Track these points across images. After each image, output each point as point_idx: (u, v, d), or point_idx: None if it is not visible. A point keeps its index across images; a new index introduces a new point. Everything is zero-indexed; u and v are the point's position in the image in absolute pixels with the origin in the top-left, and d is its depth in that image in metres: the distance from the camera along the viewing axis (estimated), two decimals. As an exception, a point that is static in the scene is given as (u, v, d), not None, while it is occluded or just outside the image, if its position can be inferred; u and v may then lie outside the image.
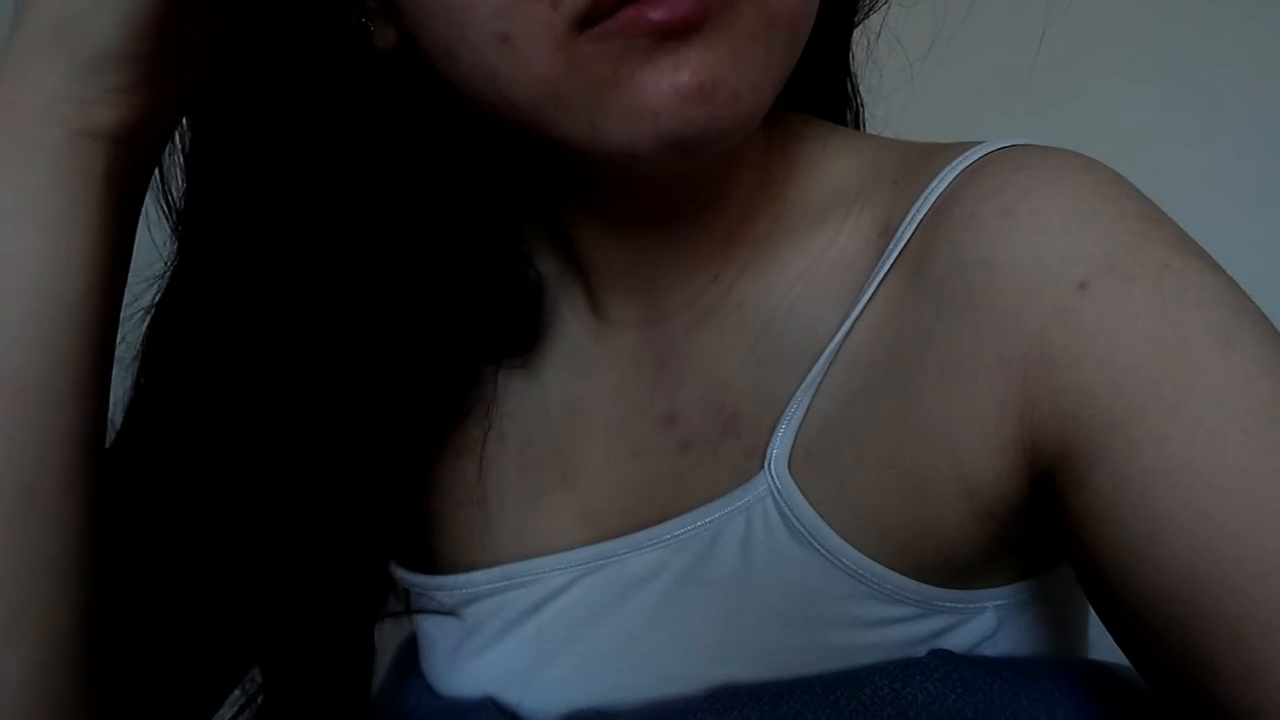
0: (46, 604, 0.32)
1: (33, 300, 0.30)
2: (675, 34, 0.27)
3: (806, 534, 0.34)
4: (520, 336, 0.41)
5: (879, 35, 0.42)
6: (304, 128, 0.36)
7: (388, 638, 0.47)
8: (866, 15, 0.41)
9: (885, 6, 0.41)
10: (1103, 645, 0.33)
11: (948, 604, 0.34)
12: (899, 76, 0.45)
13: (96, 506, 0.33)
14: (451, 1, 0.28)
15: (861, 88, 0.44)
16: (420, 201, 0.38)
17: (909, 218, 0.34)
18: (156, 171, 0.36)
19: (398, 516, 0.43)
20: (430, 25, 0.30)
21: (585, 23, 0.27)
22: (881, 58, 0.43)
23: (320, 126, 0.36)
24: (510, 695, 0.41)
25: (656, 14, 0.27)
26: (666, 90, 0.28)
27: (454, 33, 0.29)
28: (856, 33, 0.42)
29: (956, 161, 0.34)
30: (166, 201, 0.37)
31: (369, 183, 0.37)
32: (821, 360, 0.35)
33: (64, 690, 0.32)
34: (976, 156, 0.34)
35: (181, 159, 0.37)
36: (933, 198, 0.34)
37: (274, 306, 0.38)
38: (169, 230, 0.38)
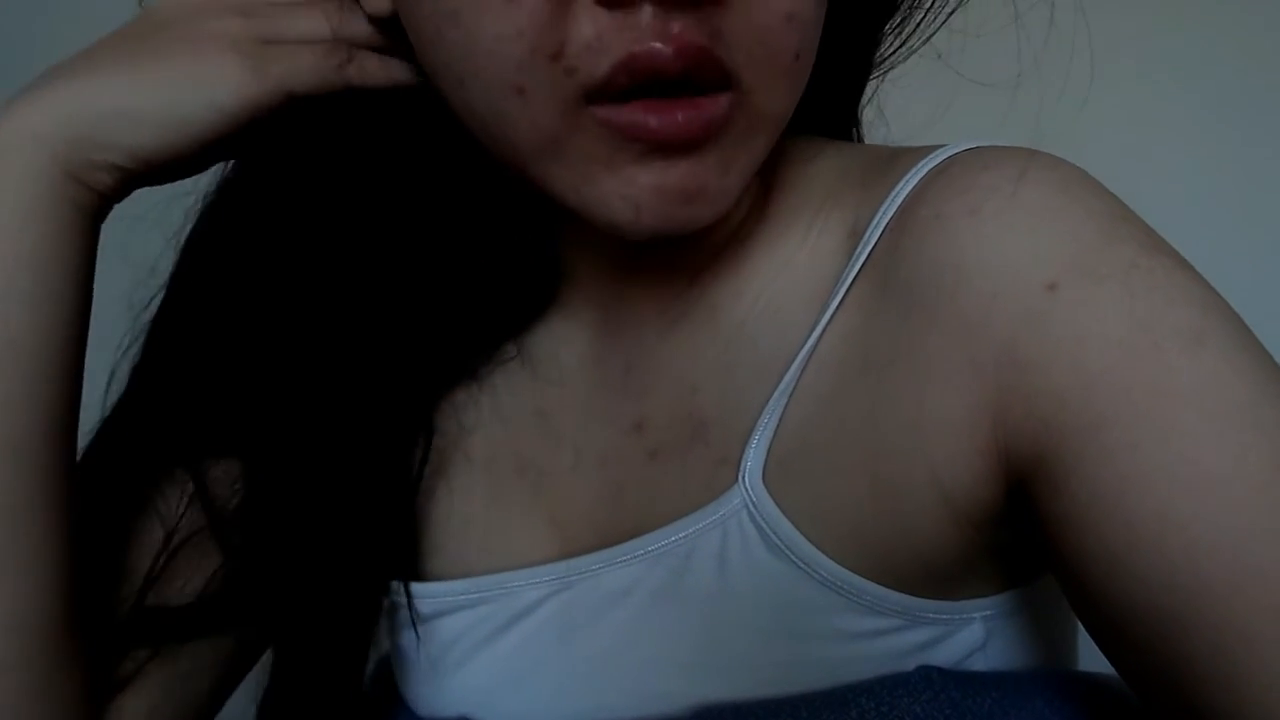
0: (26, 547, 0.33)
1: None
2: (670, 148, 0.29)
3: (783, 546, 0.34)
4: (529, 303, 0.41)
5: (870, 100, 0.43)
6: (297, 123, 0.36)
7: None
8: (874, 76, 0.42)
9: (879, 80, 0.42)
10: (1093, 653, 0.33)
11: (932, 615, 0.34)
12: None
13: (70, 475, 0.35)
14: (473, 46, 0.29)
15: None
16: (420, 204, 0.39)
17: (876, 219, 0.34)
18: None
19: (395, 526, 0.43)
20: (446, 56, 0.30)
21: (593, 96, 0.29)
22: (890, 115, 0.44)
23: (316, 122, 0.36)
24: (486, 715, 0.40)
25: (657, 124, 0.29)
26: (651, 189, 0.30)
27: (469, 69, 0.30)
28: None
29: (923, 162, 0.34)
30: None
31: (362, 196, 0.38)
32: (794, 367, 0.34)
33: (54, 630, 0.34)
34: (942, 158, 0.34)
35: None
36: (899, 199, 0.33)
37: (251, 309, 0.38)
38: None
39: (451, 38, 0.30)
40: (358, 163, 0.37)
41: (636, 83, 0.28)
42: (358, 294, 0.38)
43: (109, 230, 0.36)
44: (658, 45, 0.28)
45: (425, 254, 0.39)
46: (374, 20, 0.35)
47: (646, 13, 0.28)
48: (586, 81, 0.28)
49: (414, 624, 0.40)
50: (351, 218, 0.38)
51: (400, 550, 0.43)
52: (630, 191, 0.30)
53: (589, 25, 0.28)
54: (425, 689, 0.42)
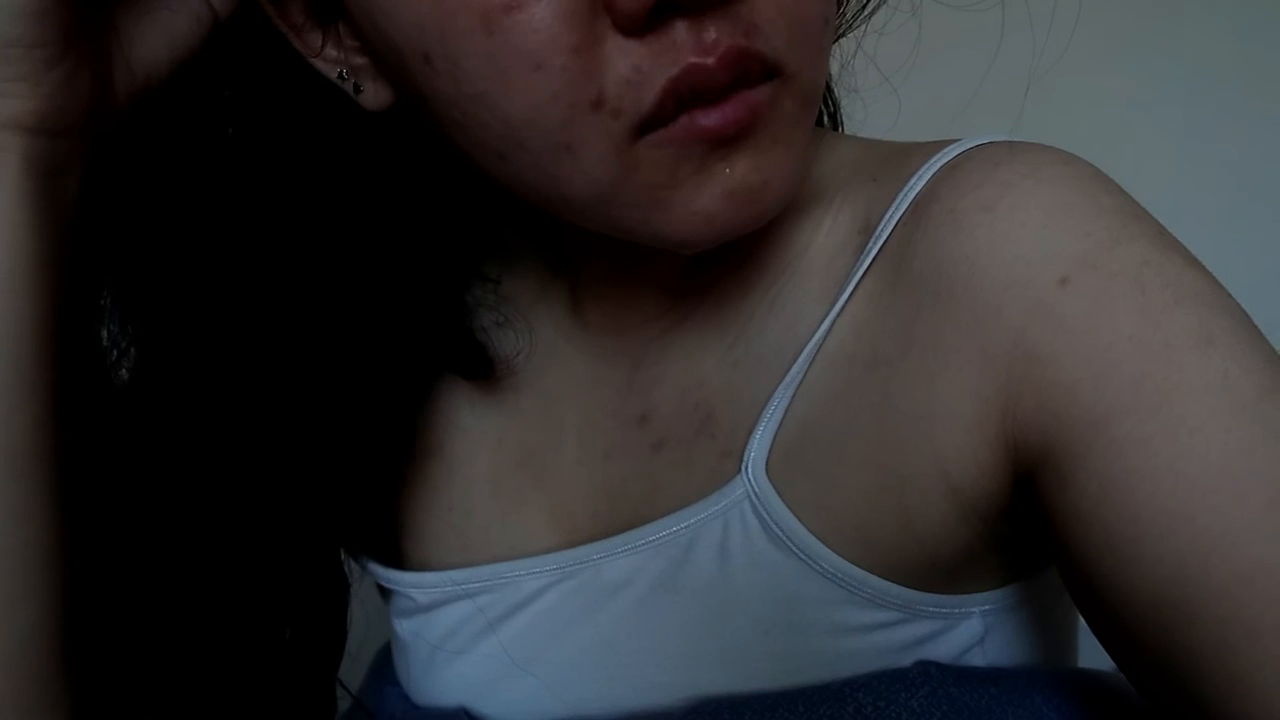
0: (18, 587, 0.32)
1: None
2: (727, 141, 0.28)
3: (785, 538, 0.34)
4: (475, 367, 0.41)
5: (855, 52, 0.42)
6: (277, 166, 0.35)
7: (364, 646, 0.46)
8: (843, 34, 0.41)
9: (864, 26, 0.41)
10: (1092, 649, 0.33)
11: (932, 609, 0.34)
12: (877, 86, 0.45)
13: (59, 490, 0.33)
14: (510, 121, 0.28)
15: (838, 88, 0.44)
16: (393, 233, 0.38)
17: (888, 215, 0.34)
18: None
19: (364, 518, 0.42)
20: (481, 133, 0.29)
21: (643, 129, 0.28)
22: (858, 66, 0.43)
23: (295, 167, 0.35)
24: (484, 706, 0.40)
25: (709, 120, 0.28)
26: (720, 195, 0.29)
27: (510, 145, 0.29)
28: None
29: (935, 158, 0.34)
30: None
31: (344, 214, 0.36)
32: (801, 359, 0.34)
33: (44, 669, 0.33)
34: (955, 153, 0.33)
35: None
36: (912, 194, 0.33)
37: (240, 320, 0.37)
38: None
39: (484, 119, 0.28)
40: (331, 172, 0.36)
41: (685, 106, 0.27)
42: (336, 289, 0.37)
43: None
44: (698, 60, 0.27)
45: (399, 253, 0.38)
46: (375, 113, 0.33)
47: (679, 29, 0.27)
48: (634, 120, 0.27)
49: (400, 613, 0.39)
50: (329, 215, 0.37)
51: (381, 539, 0.43)
52: (700, 204, 0.29)
53: (622, 62, 0.27)
54: (423, 677, 0.42)
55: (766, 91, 0.28)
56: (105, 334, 0.38)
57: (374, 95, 0.33)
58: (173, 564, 0.38)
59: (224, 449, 0.38)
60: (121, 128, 0.34)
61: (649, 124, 0.28)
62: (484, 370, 0.41)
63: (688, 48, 0.27)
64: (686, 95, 0.27)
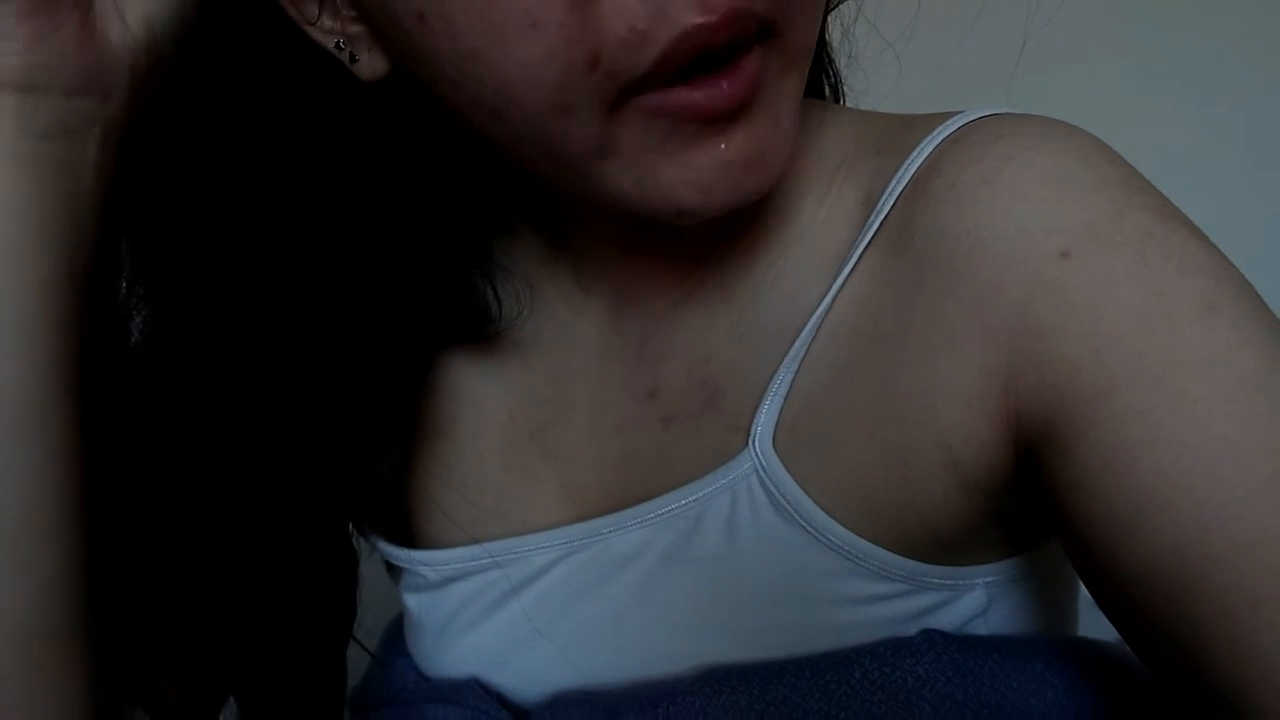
0: (30, 549, 0.32)
1: None
2: (722, 118, 0.28)
3: (792, 511, 0.34)
4: (468, 329, 0.41)
5: (856, 17, 0.42)
6: (274, 138, 0.34)
7: (376, 618, 0.47)
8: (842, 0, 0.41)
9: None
10: (1091, 621, 0.33)
11: (936, 580, 0.34)
12: (880, 56, 0.44)
13: (71, 455, 0.33)
14: (504, 79, 0.27)
15: (839, 59, 0.44)
16: (391, 201, 0.37)
17: (890, 188, 0.34)
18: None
19: (374, 495, 0.43)
20: (476, 90, 0.29)
21: (637, 88, 0.27)
22: (859, 32, 0.43)
23: (291, 140, 0.34)
24: (495, 676, 0.41)
25: (706, 99, 0.27)
26: (715, 166, 0.29)
27: (502, 103, 0.28)
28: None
29: (938, 131, 0.33)
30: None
31: (339, 187, 0.36)
32: (804, 333, 0.34)
33: (60, 629, 0.33)
34: (957, 125, 0.33)
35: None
36: (914, 167, 0.33)
37: (232, 292, 0.36)
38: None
39: (479, 76, 0.28)
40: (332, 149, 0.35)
41: (684, 66, 0.27)
42: (338, 261, 0.37)
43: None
44: (702, 20, 0.26)
45: (398, 227, 0.37)
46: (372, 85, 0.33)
47: None
48: (629, 80, 0.27)
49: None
50: (326, 195, 0.36)
51: (392, 517, 0.43)
52: (695, 175, 0.29)
53: (619, 20, 0.26)
54: (434, 650, 0.42)
55: (758, 57, 0.28)
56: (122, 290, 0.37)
57: (369, 65, 0.32)
58: (180, 538, 0.38)
59: (226, 424, 0.37)
60: (157, 90, 0.33)
61: (642, 83, 0.27)
62: (482, 327, 0.40)
63: (691, 7, 0.26)
64: (686, 59, 0.27)
